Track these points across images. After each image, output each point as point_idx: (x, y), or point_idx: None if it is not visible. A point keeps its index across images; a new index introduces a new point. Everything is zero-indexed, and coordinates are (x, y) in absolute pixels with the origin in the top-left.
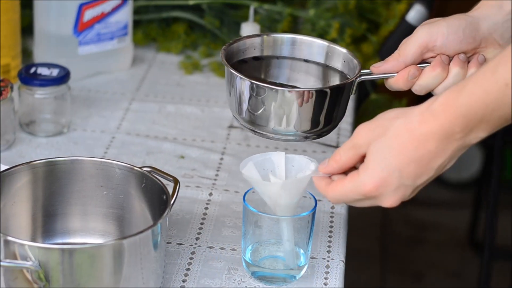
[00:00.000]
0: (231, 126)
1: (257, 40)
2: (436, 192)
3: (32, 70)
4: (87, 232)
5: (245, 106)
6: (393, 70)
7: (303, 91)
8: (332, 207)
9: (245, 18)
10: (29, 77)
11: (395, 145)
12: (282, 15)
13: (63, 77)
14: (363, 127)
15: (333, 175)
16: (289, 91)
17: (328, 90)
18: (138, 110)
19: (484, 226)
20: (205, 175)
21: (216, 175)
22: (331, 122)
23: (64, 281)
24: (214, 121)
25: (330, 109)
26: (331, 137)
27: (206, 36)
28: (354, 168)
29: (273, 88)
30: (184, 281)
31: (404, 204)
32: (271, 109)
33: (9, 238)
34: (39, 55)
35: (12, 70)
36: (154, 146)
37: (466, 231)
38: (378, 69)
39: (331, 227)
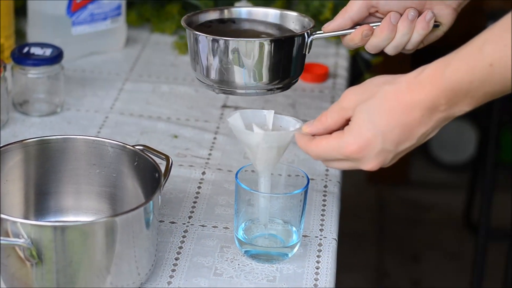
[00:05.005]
0: (224, 106)
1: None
2: (433, 173)
3: (25, 50)
4: (80, 210)
5: (202, 62)
6: (342, 27)
7: (254, 41)
8: (325, 186)
9: None
10: (22, 57)
11: (383, 108)
12: None
13: (56, 56)
14: (350, 91)
15: (316, 136)
16: (243, 40)
17: (279, 40)
18: (132, 90)
19: (480, 207)
20: (199, 154)
21: (210, 154)
22: (288, 74)
23: (56, 258)
24: (208, 101)
25: (284, 60)
26: None
27: None
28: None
29: (226, 39)
30: (176, 259)
31: (400, 186)
32: (228, 61)
33: (2, 215)
34: (32, 36)
35: (5, 51)
36: (148, 126)
37: (462, 212)
38: (328, 27)
39: (324, 205)
